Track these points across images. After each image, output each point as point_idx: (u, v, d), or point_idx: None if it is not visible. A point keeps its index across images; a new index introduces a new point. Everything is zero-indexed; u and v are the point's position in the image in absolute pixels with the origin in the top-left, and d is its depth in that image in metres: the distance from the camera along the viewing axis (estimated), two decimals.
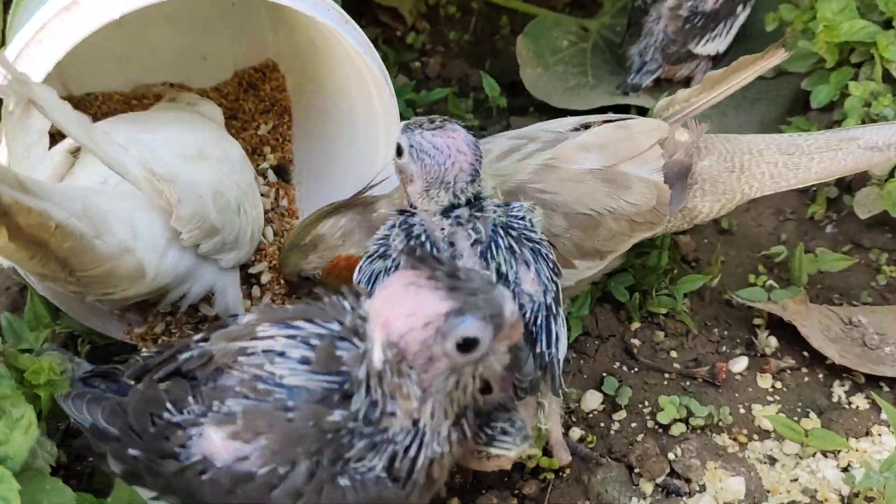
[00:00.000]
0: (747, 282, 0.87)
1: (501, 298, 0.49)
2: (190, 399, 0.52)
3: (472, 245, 0.61)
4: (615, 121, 0.75)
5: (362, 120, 0.86)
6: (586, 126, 0.73)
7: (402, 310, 0.47)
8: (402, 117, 1.09)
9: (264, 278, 0.85)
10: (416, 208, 0.65)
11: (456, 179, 0.62)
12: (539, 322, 0.60)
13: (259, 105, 0.97)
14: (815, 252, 0.89)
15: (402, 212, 0.65)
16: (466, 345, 0.47)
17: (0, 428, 0.47)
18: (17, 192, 0.53)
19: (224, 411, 0.50)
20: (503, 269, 0.60)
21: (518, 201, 0.65)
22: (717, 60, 1.08)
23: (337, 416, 0.49)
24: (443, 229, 0.62)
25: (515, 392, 0.60)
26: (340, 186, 0.87)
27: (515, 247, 0.61)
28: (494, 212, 0.63)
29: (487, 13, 1.28)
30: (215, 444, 0.50)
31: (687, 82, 1.09)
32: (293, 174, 0.95)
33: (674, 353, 0.81)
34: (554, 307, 0.61)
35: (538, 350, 0.60)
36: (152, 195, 0.64)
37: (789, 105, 1.07)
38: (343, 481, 0.50)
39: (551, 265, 0.62)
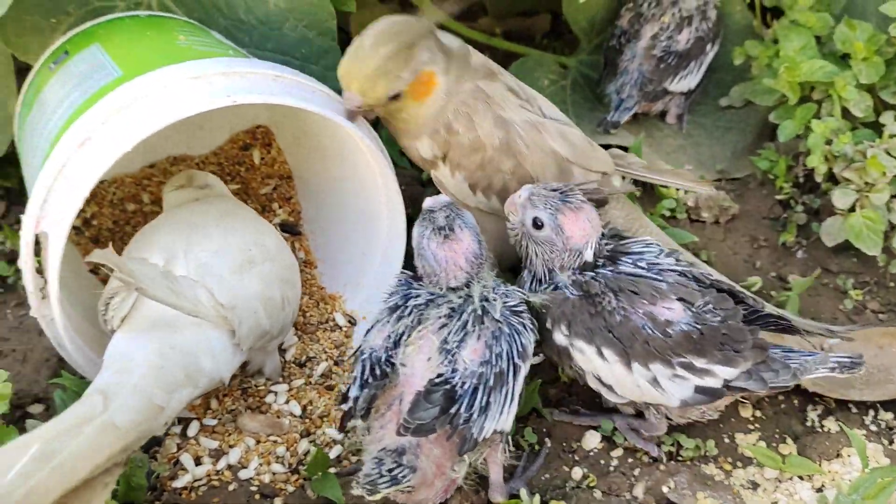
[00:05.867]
0: None
1: None
2: None
3: (437, 318, 0.70)
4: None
5: (363, 176, 0.92)
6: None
7: None
8: (396, 166, 1.15)
9: (292, 340, 0.91)
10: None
11: (448, 282, 0.73)
12: (467, 386, 0.66)
13: (260, 165, 1.01)
14: (787, 280, 0.97)
15: (414, 276, 0.75)
16: None
17: None
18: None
19: None
20: (449, 340, 0.68)
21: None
22: (689, 95, 1.15)
23: None
24: (431, 298, 0.72)
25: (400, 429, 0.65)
26: (352, 231, 0.95)
27: (471, 324, 0.69)
28: (481, 297, 0.72)
29: None
30: None
31: (662, 116, 1.16)
32: (304, 225, 1.01)
33: None
34: (490, 380, 0.67)
35: (452, 410, 0.65)
36: (218, 322, 0.73)
37: (758, 134, 1.14)
38: None
39: (518, 348, 0.70)
